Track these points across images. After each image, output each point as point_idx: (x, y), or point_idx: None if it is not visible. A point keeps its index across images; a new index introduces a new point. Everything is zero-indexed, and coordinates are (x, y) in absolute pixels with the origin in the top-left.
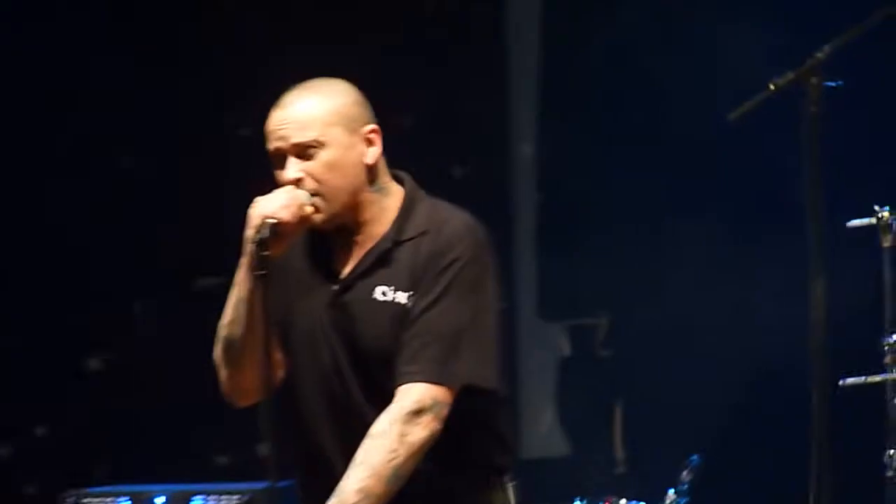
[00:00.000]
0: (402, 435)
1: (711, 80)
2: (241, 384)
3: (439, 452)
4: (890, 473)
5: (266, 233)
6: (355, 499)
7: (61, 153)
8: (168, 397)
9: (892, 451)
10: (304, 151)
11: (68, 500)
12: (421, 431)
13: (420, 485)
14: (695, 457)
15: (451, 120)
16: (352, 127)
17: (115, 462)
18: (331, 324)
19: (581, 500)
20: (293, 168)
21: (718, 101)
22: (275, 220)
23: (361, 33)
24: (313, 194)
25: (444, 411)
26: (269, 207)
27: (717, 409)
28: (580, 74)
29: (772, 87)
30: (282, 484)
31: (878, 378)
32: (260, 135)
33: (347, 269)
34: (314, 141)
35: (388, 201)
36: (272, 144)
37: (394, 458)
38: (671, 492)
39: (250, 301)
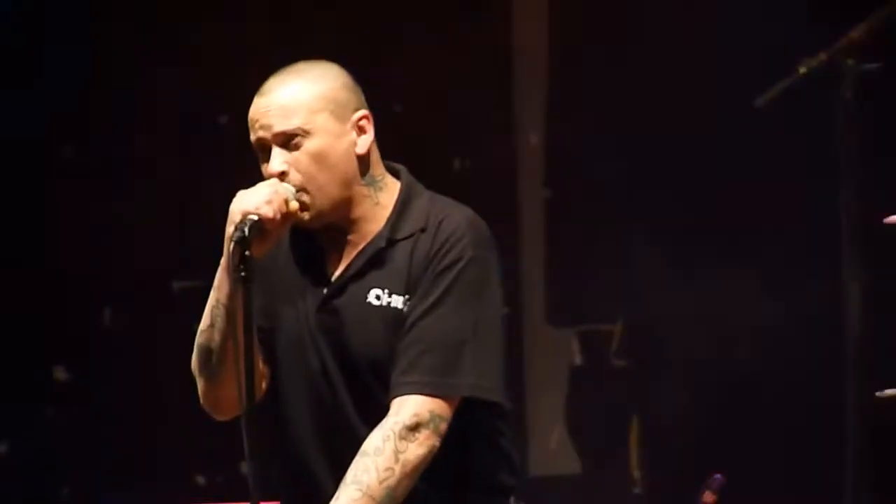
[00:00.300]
0: (398, 452)
1: (730, 61)
2: (220, 396)
3: (438, 471)
4: None
5: (247, 230)
6: None
7: (25, 147)
8: (141, 411)
9: None
10: (288, 141)
11: None
12: (417, 448)
13: None
14: (718, 476)
15: (449, 106)
16: (340, 113)
17: (82, 481)
18: (319, 330)
19: None
20: (277, 160)
21: (740, 84)
22: (257, 217)
23: (350, 8)
24: (299, 188)
25: (444, 426)
26: (250, 202)
27: (743, 423)
28: (593, 56)
29: (802, 70)
30: None
31: None
32: (241, 123)
33: (338, 271)
34: (299, 129)
35: (383, 196)
36: (254, 134)
37: (388, 478)
38: None
39: (230, 306)
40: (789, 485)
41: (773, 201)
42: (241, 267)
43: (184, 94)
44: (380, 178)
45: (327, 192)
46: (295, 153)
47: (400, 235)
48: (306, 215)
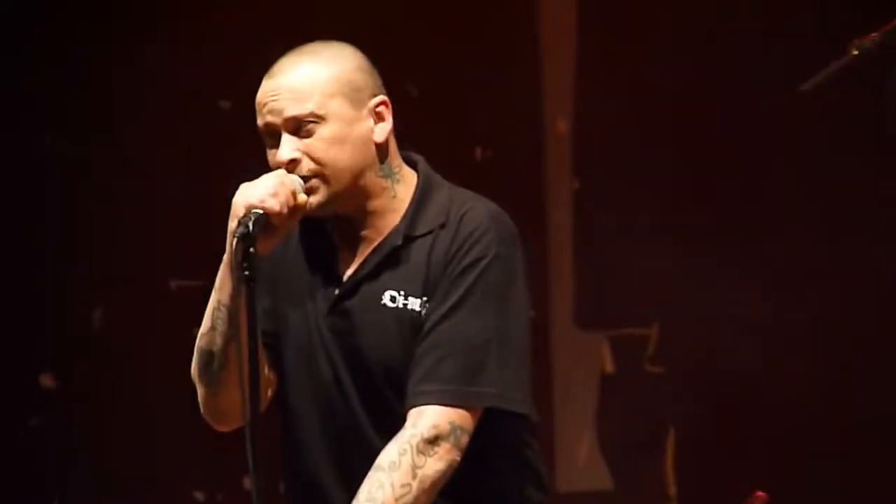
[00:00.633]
0: (415, 467)
1: (769, 44)
2: (221, 405)
3: (458, 488)
4: None
5: (252, 225)
6: None
7: (7, 138)
8: (135, 422)
9: None
10: (300, 127)
11: None
12: (437, 463)
13: None
14: (762, 494)
15: (470, 89)
16: (357, 98)
17: (71, 498)
18: (330, 334)
19: None
20: (287, 147)
21: (785, 66)
22: (262, 211)
23: None
24: (310, 177)
25: (465, 439)
26: (255, 195)
27: (788, 436)
28: (625, 37)
29: (854, 52)
30: None
31: None
32: (245, 108)
33: (350, 270)
34: (312, 115)
35: (400, 189)
36: (262, 119)
37: (404, 495)
38: None
39: (233, 307)
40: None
41: (826, 197)
42: (245, 265)
43: (181, 76)
44: (397, 169)
45: (341, 181)
46: (307, 140)
47: (418, 232)
48: (315, 203)
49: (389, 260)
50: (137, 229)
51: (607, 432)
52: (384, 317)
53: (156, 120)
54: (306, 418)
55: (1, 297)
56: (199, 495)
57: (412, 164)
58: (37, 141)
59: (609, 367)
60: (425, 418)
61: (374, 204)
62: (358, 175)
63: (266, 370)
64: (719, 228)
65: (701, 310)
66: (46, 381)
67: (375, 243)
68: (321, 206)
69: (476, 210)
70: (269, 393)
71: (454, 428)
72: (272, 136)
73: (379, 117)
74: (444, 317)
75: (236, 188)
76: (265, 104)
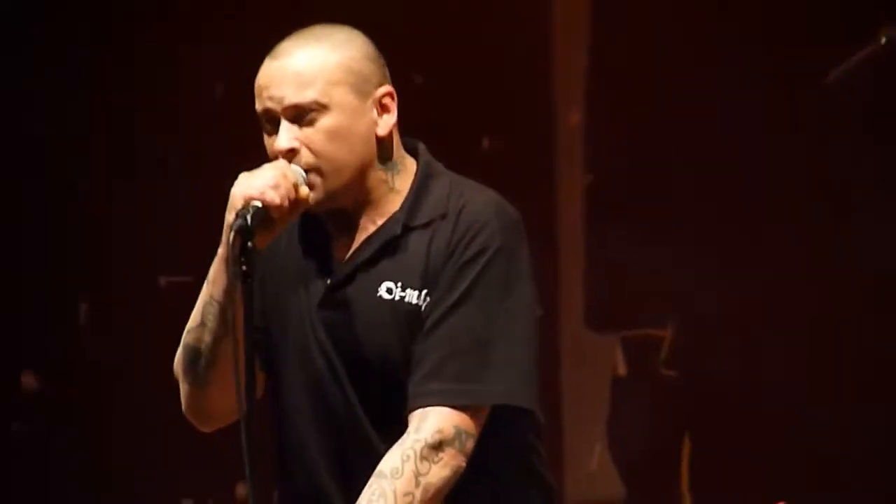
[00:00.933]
0: (418, 474)
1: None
2: (206, 404)
3: (463, 496)
4: None
5: (250, 218)
6: None
7: None
8: (121, 423)
9: None
10: (301, 116)
11: None
12: (441, 470)
13: None
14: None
15: (477, 77)
16: (362, 88)
17: (54, 503)
18: (324, 327)
19: None
20: (286, 135)
21: (810, 56)
22: (261, 204)
23: None
24: (309, 169)
25: (470, 444)
26: (254, 187)
27: (810, 443)
28: (641, 24)
29: (883, 39)
30: None
31: None
32: (241, 92)
33: (345, 260)
34: (314, 103)
35: (399, 180)
36: (261, 103)
37: (408, 503)
38: None
39: (225, 303)
40: None
41: (853, 196)
42: (242, 260)
43: (171, 59)
44: (399, 161)
45: (340, 176)
46: (307, 129)
47: (417, 222)
48: (314, 198)
49: (387, 249)
50: (125, 223)
51: (619, 439)
52: (380, 309)
53: (145, 111)
54: (301, 414)
55: None
56: (188, 502)
57: (412, 152)
58: (19, 133)
59: (621, 369)
60: (429, 422)
61: (372, 195)
62: (358, 170)
63: (255, 369)
64: (741, 226)
65: (719, 310)
66: (29, 380)
67: (372, 232)
68: (319, 202)
69: (477, 200)
70: (259, 393)
71: (459, 432)
72: (271, 122)
73: (384, 109)
74: (447, 312)
75: (231, 179)
76: (266, 87)
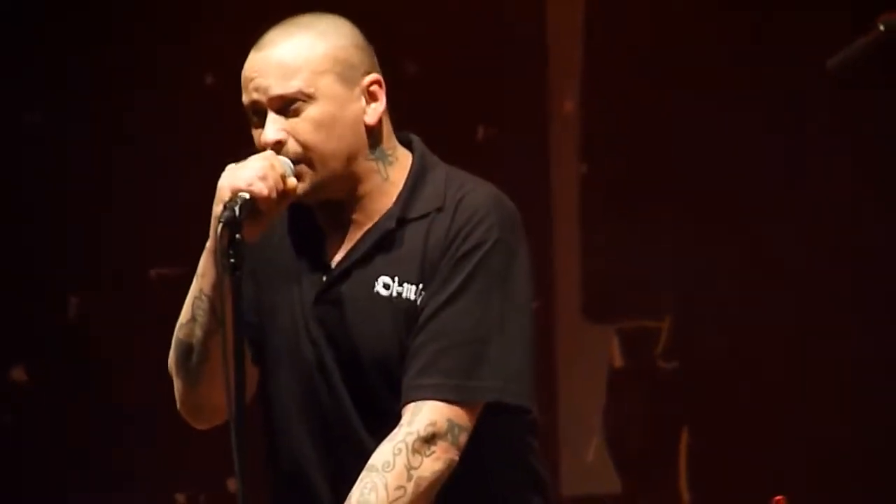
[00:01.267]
0: (410, 468)
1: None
2: (199, 401)
3: (456, 490)
4: None
5: (238, 210)
6: None
7: None
8: (112, 418)
9: None
10: (287, 106)
11: None
12: (433, 463)
13: None
14: (780, 499)
15: (471, 65)
16: (349, 76)
17: (42, 499)
18: (318, 324)
19: None
20: (272, 127)
21: (810, 42)
22: (249, 195)
23: None
24: (297, 160)
25: (464, 437)
26: (242, 178)
27: (808, 437)
28: (637, 9)
29: (881, 27)
30: None
31: None
32: (230, 83)
33: (340, 255)
34: (300, 93)
35: (393, 171)
36: (248, 96)
37: (398, 498)
38: None
39: (215, 297)
40: None
41: (851, 188)
42: (230, 252)
43: (162, 49)
44: (390, 151)
45: (329, 166)
46: (294, 120)
47: (412, 215)
48: (302, 189)
49: (382, 244)
50: (115, 214)
51: (616, 432)
52: (376, 305)
53: (136, 102)
54: (291, 412)
55: None
56: (181, 497)
57: (407, 144)
58: (11, 123)
59: (618, 361)
60: (422, 415)
61: (364, 188)
62: (346, 160)
63: (248, 364)
64: (738, 217)
65: (717, 301)
66: (18, 374)
67: (366, 227)
68: (307, 193)
69: (475, 192)
70: (252, 389)
71: (452, 426)
72: (258, 114)
73: (372, 97)
74: (443, 306)
75: (221, 170)
76: (251, 79)
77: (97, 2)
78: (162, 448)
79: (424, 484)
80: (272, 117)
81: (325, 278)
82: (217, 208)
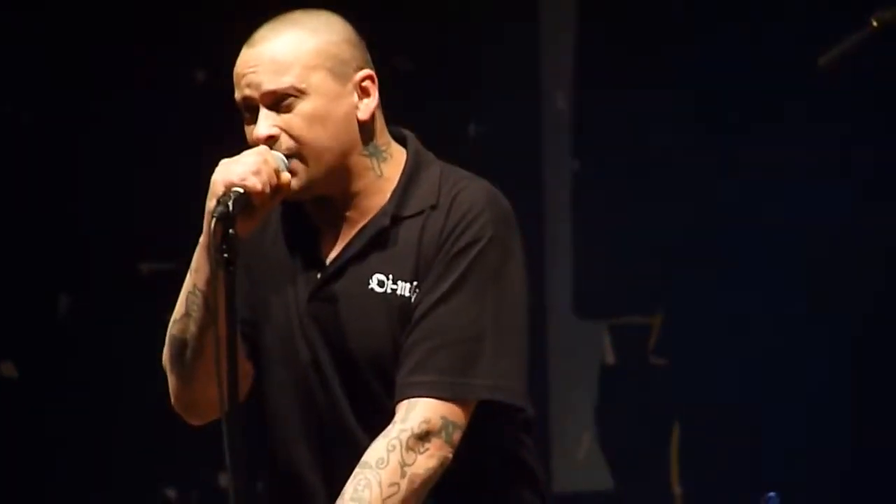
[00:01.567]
0: (404, 464)
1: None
2: (194, 397)
3: (450, 487)
4: None
5: (231, 205)
6: None
7: None
8: (103, 413)
9: None
10: (279, 102)
11: None
12: (427, 460)
13: None
14: (772, 494)
15: (463, 62)
16: (341, 72)
17: (33, 494)
18: (312, 321)
19: None
20: (265, 123)
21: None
22: (242, 190)
23: None
24: (290, 156)
25: (457, 435)
26: (235, 173)
27: (802, 433)
28: (630, 5)
29: (874, 23)
30: None
31: None
32: (222, 80)
33: (334, 253)
34: (292, 88)
35: (387, 168)
36: (240, 92)
37: (392, 495)
38: None
39: (209, 292)
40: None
41: (843, 185)
42: (224, 247)
43: (152, 45)
44: (384, 147)
45: (322, 161)
46: (286, 115)
47: (407, 212)
48: (296, 185)
49: (377, 242)
50: (106, 208)
51: (608, 428)
52: (371, 302)
53: (125, 93)
54: (286, 410)
55: None
56: (171, 492)
57: (401, 141)
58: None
59: (610, 358)
60: (416, 412)
61: (358, 184)
62: (340, 155)
63: (243, 360)
64: (728, 212)
65: (708, 298)
66: (8, 370)
67: (361, 225)
68: (301, 189)
69: (470, 189)
70: (247, 384)
71: (446, 423)
72: (250, 110)
73: (364, 93)
74: (437, 303)
75: (214, 165)
76: (243, 76)
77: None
78: (153, 443)
79: (418, 481)
80: (264, 113)
81: (319, 275)
82: (210, 203)
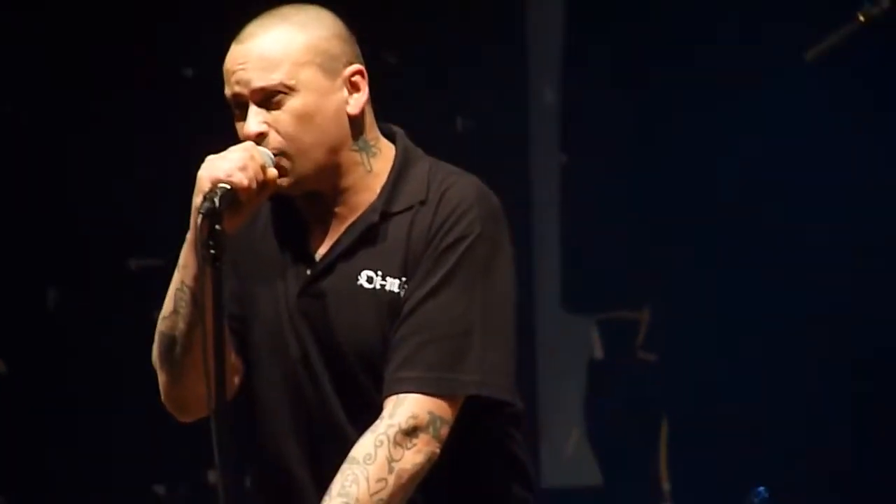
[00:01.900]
0: (391, 460)
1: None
2: (184, 393)
3: (438, 483)
4: None
5: (218, 201)
6: None
7: None
8: (91, 410)
9: None
10: (268, 98)
11: None
12: (415, 456)
13: None
14: (761, 489)
15: (450, 57)
16: (330, 67)
17: (22, 492)
18: (302, 317)
19: None
20: (254, 119)
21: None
22: (229, 186)
23: None
24: (279, 152)
25: (445, 430)
26: (222, 169)
27: (789, 427)
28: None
29: (861, 18)
30: None
31: None
32: (211, 75)
33: (324, 249)
34: (281, 85)
35: (376, 163)
36: (230, 89)
37: (380, 490)
38: None
39: (196, 288)
40: (842, 501)
41: (836, 183)
42: (211, 243)
43: (141, 41)
44: (373, 142)
45: (311, 157)
46: (275, 112)
47: (396, 208)
48: (285, 181)
49: (366, 238)
50: (94, 203)
51: (596, 423)
52: (360, 298)
53: (114, 90)
54: (275, 407)
55: None
56: (160, 489)
57: (390, 137)
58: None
59: (598, 353)
60: (403, 408)
61: (347, 180)
62: (329, 151)
63: (232, 357)
64: (717, 207)
65: (696, 292)
66: None
67: (350, 220)
68: (290, 184)
69: (459, 185)
70: (236, 381)
71: (434, 418)
72: (240, 107)
73: (354, 87)
74: (425, 298)
75: (202, 161)
76: (233, 72)
77: None
78: (141, 439)
79: (406, 476)
80: (254, 110)
81: (308, 271)
82: (197, 199)
